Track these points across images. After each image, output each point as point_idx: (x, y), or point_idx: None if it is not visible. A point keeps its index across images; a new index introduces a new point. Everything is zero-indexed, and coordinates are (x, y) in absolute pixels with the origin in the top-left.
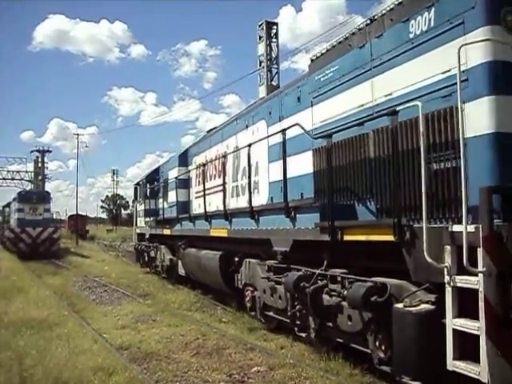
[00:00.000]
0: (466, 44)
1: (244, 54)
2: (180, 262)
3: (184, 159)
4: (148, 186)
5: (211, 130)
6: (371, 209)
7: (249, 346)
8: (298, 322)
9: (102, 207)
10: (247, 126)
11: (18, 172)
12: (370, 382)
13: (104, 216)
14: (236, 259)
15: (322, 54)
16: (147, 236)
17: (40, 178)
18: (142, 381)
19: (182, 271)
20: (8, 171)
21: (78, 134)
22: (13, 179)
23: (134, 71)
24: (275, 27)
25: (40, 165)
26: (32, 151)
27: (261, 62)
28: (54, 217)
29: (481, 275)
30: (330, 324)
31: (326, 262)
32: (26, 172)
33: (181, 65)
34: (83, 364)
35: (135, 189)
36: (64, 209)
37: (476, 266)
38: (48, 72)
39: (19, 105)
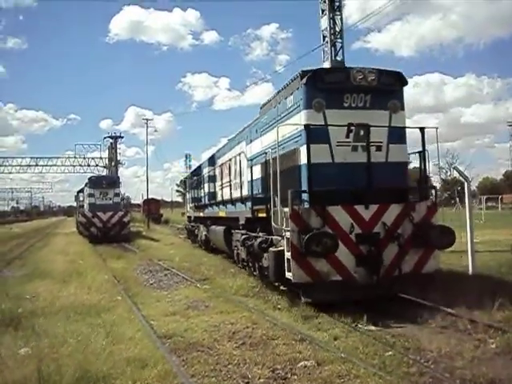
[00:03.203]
0: (282, 125)
1: (317, 36)
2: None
3: (212, 161)
4: (192, 179)
5: (230, 139)
6: (268, 199)
7: (299, 337)
8: (249, 264)
9: (177, 191)
10: (238, 143)
11: (92, 159)
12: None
13: (180, 200)
14: (233, 231)
15: (265, 105)
16: (192, 218)
17: (113, 163)
18: (175, 375)
19: (212, 243)
20: (84, 158)
21: (146, 119)
22: (89, 165)
23: (207, 57)
24: None
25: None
26: (105, 137)
27: (324, 37)
28: (133, 201)
29: (290, 232)
30: (256, 260)
31: (259, 228)
32: (101, 158)
33: (252, 49)
34: (119, 354)
35: (185, 181)
36: (141, 193)
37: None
38: (124, 62)
39: (98, 95)
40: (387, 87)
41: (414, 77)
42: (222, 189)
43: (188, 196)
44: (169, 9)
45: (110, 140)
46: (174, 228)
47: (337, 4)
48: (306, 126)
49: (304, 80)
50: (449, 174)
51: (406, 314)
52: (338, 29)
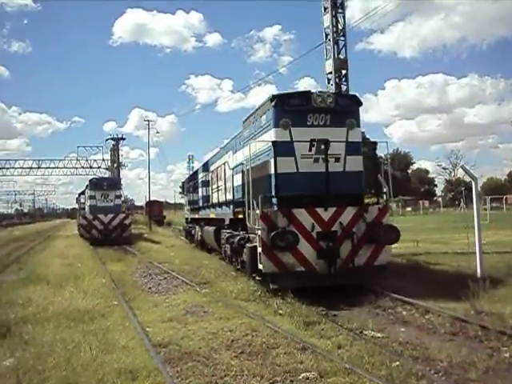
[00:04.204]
0: (254, 141)
1: (320, 37)
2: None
3: (206, 167)
4: (189, 183)
5: (221, 148)
6: (249, 202)
7: (301, 346)
8: (233, 259)
9: (180, 193)
10: (227, 152)
11: (95, 161)
12: None
13: (183, 202)
14: (221, 230)
15: (246, 120)
16: (189, 219)
17: (115, 165)
18: None
19: (206, 243)
20: (87, 160)
21: (148, 121)
22: (91, 168)
23: (210, 59)
24: None
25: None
26: (107, 139)
27: (326, 35)
28: (136, 203)
29: (260, 230)
30: (237, 254)
31: (240, 227)
32: (103, 160)
33: (255, 51)
34: (110, 365)
35: (182, 185)
36: (144, 195)
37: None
38: (128, 64)
39: (102, 97)
40: (344, 108)
41: (417, 77)
42: (212, 193)
43: (186, 199)
44: (172, 11)
45: (112, 142)
46: (176, 230)
47: (339, 1)
48: (274, 143)
49: (273, 103)
50: (453, 174)
51: (413, 319)
52: (340, 26)
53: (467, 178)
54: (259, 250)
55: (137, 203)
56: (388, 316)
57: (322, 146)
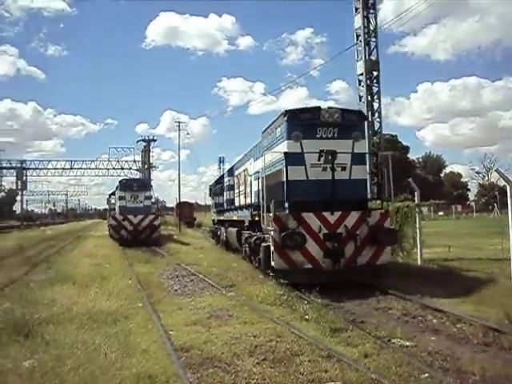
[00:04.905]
0: (269, 152)
1: (351, 40)
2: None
3: (231, 172)
4: (215, 187)
5: (245, 154)
6: (263, 206)
7: (326, 353)
8: (252, 257)
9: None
10: (248, 159)
11: (126, 162)
12: None
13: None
14: (242, 231)
15: (265, 131)
16: (215, 221)
17: (146, 166)
18: None
19: (230, 243)
20: (118, 161)
21: (179, 122)
22: (122, 169)
23: (242, 62)
24: None
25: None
26: (138, 141)
27: (358, 36)
28: (167, 205)
29: (273, 231)
30: (255, 253)
31: (256, 229)
32: (134, 161)
33: (287, 54)
34: (129, 369)
35: (210, 188)
36: (174, 197)
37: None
38: (161, 67)
39: (135, 99)
40: (350, 122)
41: (451, 80)
42: (236, 197)
43: (212, 201)
44: (205, 14)
45: (144, 143)
46: (206, 232)
47: (371, 2)
48: (285, 154)
49: (286, 117)
50: (486, 178)
51: (443, 328)
52: (372, 27)
53: (501, 183)
54: (272, 248)
55: (168, 204)
56: (417, 324)
57: (330, 157)
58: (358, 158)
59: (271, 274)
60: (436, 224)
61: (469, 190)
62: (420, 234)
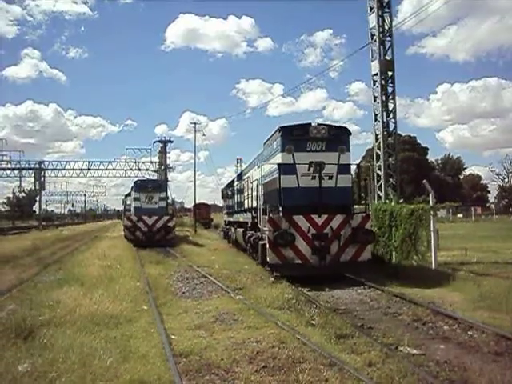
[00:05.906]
0: (265, 163)
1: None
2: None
3: (240, 177)
4: (227, 190)
5: (251, 161)
6: (262, 209)
7: (329, 361)
8: (253, 254)
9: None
10: (253, 167)
11: (143, 163)
12: None
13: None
14: (246, 231)
15: (265, 142)
16: (226, 222)
17: (162, 167)
18: None
19: (238, 242)
20: (135, 162)
21: (195, 123)
22: (139, 170)
23: (260, 64)
24: None
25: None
26: (155, 142)
27: (372, 36)
28: (186, 206)
29: (267, 231)
30: (256, 250)
31: (256, 229)
32: (151, 163)
33: (306, 55)
34: (124, 376)
35: (222, 191)
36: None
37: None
38: (180, 69)
39: (154, 101)
40: (336, 137)
41: (471, 81)
42: (242, 200)
43: (224, 203)
44: (224, 16)
45: (160, 144)
46: (222, 233)
47: (386, 1)
48: (279, 165)
49: (280, 133)
50: (506, 180)
51: (454, 335)
52: (386, 26)
53: None
54: (267, 246)
55: (186, 205)
56: (427, 331)
57: (318, 167)
58: (343, 169)
59: (267, 268)
60: (454, 226)
61: (489, 192)
62: (434, 237)
